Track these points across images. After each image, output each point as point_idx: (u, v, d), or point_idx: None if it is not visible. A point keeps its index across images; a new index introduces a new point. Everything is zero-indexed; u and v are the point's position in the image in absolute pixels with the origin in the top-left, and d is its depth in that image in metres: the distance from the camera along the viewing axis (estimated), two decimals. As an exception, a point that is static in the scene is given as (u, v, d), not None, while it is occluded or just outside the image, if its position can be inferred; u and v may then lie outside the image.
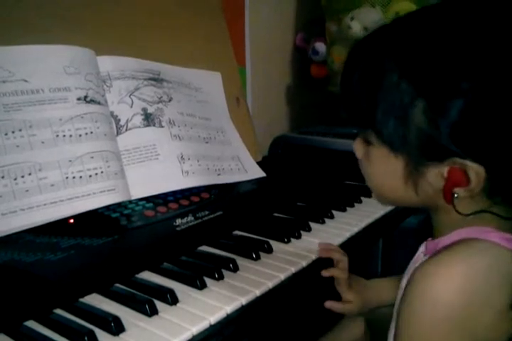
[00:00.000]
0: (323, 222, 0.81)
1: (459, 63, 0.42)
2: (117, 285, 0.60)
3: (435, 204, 0.49)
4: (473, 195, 0.45)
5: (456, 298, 0.42)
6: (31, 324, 0.52)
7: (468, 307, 0.42)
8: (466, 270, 0.43)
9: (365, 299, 0.73)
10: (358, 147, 0.53)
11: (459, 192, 0.45)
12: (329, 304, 0.72)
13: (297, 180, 0.97)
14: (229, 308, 0.55)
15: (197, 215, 0.74)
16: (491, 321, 0.43)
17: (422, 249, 0.57)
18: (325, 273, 0.68)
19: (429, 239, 0.54)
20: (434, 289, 0.43)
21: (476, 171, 0.43)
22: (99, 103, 0.74)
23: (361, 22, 1.13)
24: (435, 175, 0.45)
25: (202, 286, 0.59)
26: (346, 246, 0.74)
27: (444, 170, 0.44)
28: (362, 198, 0.91)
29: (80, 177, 0.68)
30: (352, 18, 1.14)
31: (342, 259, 0.70)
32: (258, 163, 0.95)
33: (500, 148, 0.42)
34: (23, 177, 0.65)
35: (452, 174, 0.44)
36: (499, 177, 0.44)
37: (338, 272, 0.69)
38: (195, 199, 0.79)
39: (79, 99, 0.72)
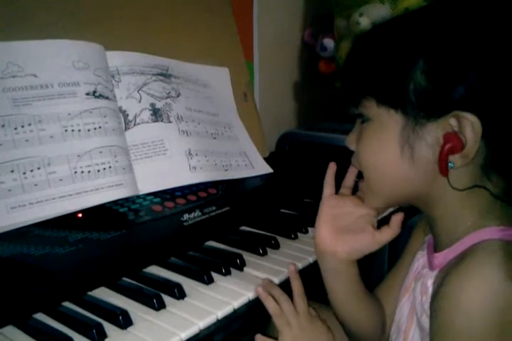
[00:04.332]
0: (330, 219, 0.81)
1: (459, 28, 0.44)
2: (125, 279, 0.60)
3: (432, 192, 0.49)
4: (469, 162, 0.45)
5: (490, 305, 0.41)
6: (40, 316, 0.53)
7: (503, 313, 0.41)
8: (494, 274, 0.42)
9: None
10: (350, 137, 0.54)
11: (454, 160, 0.45)
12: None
13: (304, 176, 0.97)
14: (236, 303, 0.55)
15: (204, 211, 0.74)
16: None
17: (419, 264, 0.56)
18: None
19: (432, 253, 0.53)
20: (467, 300, 0.42)
21: (473, 124, 0.43)
22: (107, 98, 0.75)
23: (370, 18, 1.12)
24: (431, 139, 0.45)
25: (209, 281, 0.59)
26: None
27: (440, 134, 0.45)
28: (369, 195, 0.91)
29: (89, 171, 0.69)
30: (361, 14, 1.13)
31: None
32: (265, 158, 0.95)
33: (503, 102, 0.44)
34: (32, 171, 0.65)
35: (447, 138, 0.44)
36: (497, 138, 0.44)
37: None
38: (203, 194, 0.79)
39: (88, 93, 0.72)
